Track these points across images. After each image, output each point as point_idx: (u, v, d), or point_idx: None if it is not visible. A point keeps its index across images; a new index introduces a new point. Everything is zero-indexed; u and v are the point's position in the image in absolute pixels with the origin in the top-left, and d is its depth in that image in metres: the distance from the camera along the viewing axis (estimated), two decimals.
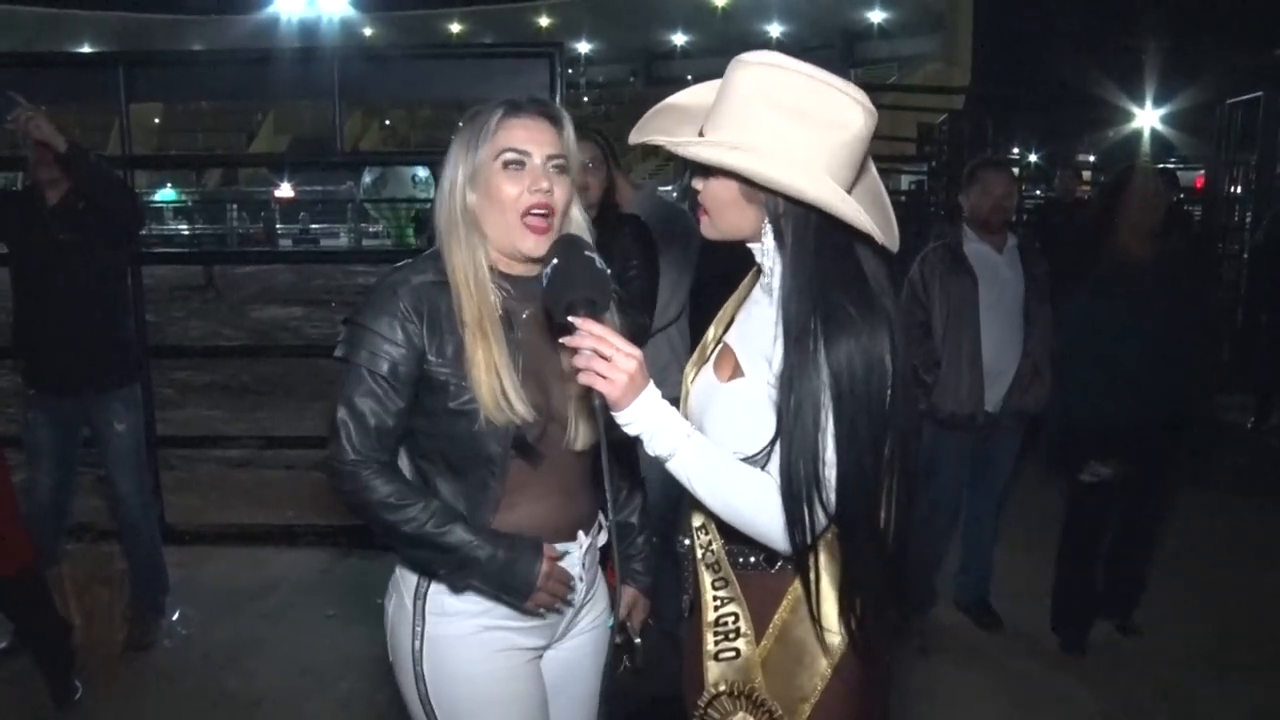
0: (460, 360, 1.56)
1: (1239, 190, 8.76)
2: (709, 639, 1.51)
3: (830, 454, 1.34)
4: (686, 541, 1.58)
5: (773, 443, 1.39)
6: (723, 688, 1.50)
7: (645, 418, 1.36)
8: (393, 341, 1.55)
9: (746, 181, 1.39)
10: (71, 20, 36.41)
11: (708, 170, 1.43)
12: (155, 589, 3.76)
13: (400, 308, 1.56)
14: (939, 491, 3.81)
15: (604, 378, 1.32)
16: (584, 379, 1.33)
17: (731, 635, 1.50)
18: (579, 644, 1.80)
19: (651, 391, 1.36)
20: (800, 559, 1.41)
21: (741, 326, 1.55)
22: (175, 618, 3.83)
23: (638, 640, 1.86)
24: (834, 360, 1.33)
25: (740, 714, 1.49)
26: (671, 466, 1.39)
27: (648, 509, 1.95)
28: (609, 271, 1.45)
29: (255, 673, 3.49)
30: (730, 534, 1.49)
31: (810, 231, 1.39)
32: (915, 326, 3.60)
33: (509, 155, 1.56)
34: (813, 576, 1.43)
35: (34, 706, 3.20)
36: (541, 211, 1.57)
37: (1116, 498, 3.61)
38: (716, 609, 1.51)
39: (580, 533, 1.71)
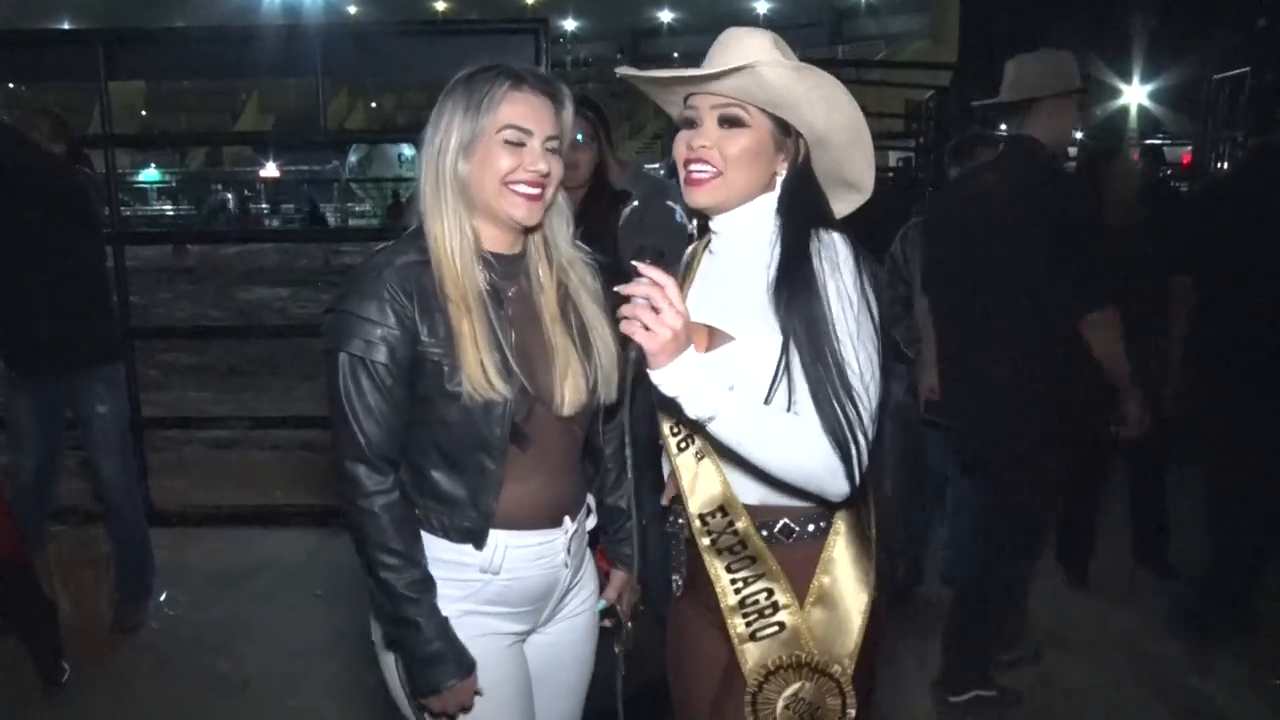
0: (451, 338, 1.52)
1: (1225, 166, 8.76)
2: (737, 623, 1.49)
3: (848, 353, 1.36)
4: (680, 522, 1.56)
5: (776, 375, 1.40)
6: (772, 664, 1.48)
7: (683, 379, 1.32)
8: (385, 326, 1.50)
9: (778, 124, 1.46)
10: None
11: (735, 119, 1.46)
12: (142, 571, 3.75)
13: (388, 290, 1.51)
14: (924, 468, 3.83)
15: (647, 329, 1.29)
16: (626, 327, 1.31)
17: (768, 611, 1.49)
18: (564, 628, 1.78)
19: (692, 354, 1.33)
20: (852, 497, 1.42)
21: (699, 299, 1.53)
22: (163, 600, 3.83)
23: (628, 624, 1.85)
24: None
25: (799, 683, 1.48)
26: (715, 429, 1.35)
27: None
28: (691, 225, 1.42)
29: (244, 654, 3.49)
30: (755, 509, 1.49)
31: (809, 170, 1.51)
32: (896, 302, 3.60)
33: (511, 133, 1.53)
34: (861, 516, 1.50)
35: (22, 690, 3.19)
36: (533, 189, 1.54)
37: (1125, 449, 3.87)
38: (738, 590, 1.49)
39: (566, 518, 1.68)
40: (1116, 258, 3.05)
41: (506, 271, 1.61)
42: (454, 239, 1.54)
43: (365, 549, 1.54)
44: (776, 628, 1.48)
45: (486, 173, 1.54)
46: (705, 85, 1.46)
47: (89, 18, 34.01)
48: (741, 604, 1.49)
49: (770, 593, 1.48)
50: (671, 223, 1.38)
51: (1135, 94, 14.00)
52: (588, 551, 1.82)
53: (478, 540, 1.59)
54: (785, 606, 1.48)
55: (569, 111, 1.60)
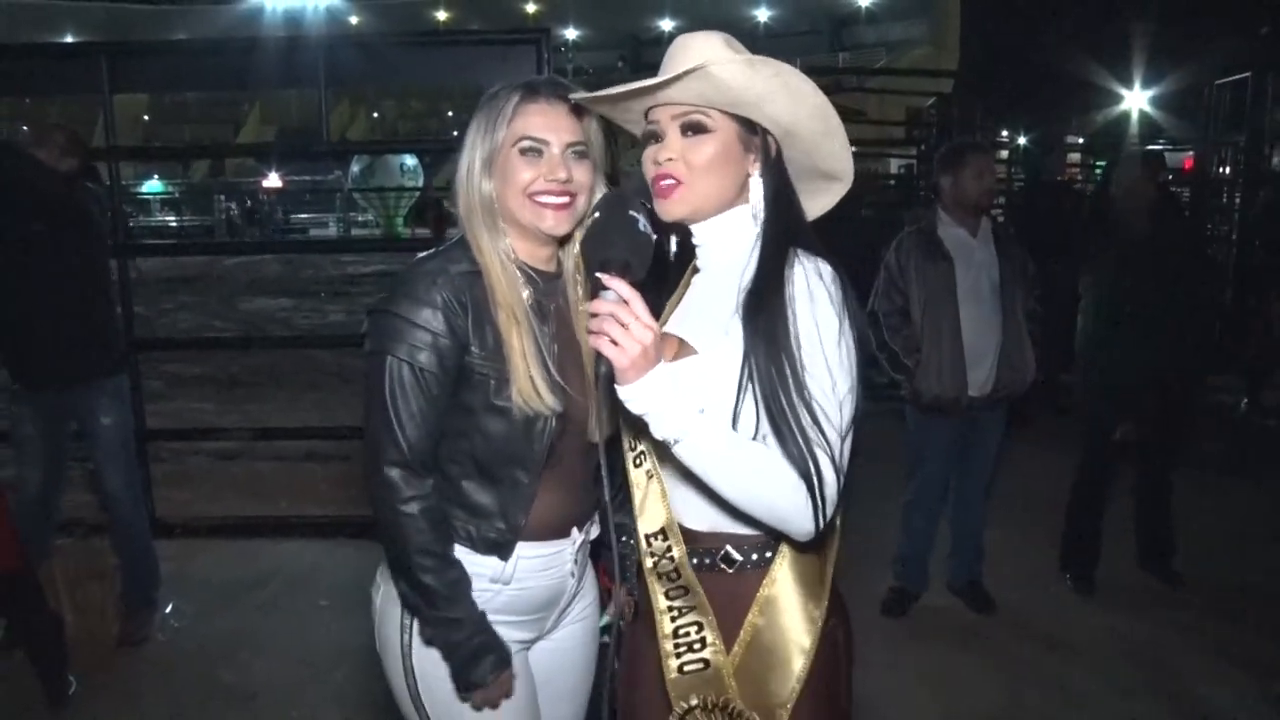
0: (500, 352, 1.51)
1: (1227, 171, 8.77)
2: (669, 651, 1.45)
3: (817, 373, 1.31)
4: (630, 542, 1.51)
5: (739, 394, 1.34)
6: (694, 701, 1.43)
7: (651, 396, 1.26)
8: (436, 334, 1.48)
9: (743, 123, 1.41)
10: (54, 10, 36.11)
11: (697, 126, 1.40)
12: (147, 583, 3.75)
13: (442, 298, 1.49)
14: (927, 476, 3.83)
15: (615, 344, 1.23)
16: (594, 341, 1.25)
17: (696, 646, 1.43)
18: (567, 634, 1.79)
19: (662, 371, 1.27)
20: (818, 538, 1.34)
21: (681, 314, 1.51)
22: (168, 611, 3.82)
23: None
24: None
25: None
26: (680, 451, 1.29)
27: None
28: (654, 237, 1.37)
29: (250, 665, 3.49)
30: (692, 536, 1.45)
31: (783, 167, 1.46)
32: (894, 312, 3.61)
33: (526, 143, 1.52)
34: (832, 551, 1.43)
35: (28, 703, 3.18)
36: (558, 199, 1.53)
37: (1130, 456, 4.04)
38: (674, 619, 1.45)
39: (574, 529, 1.69)
40: None
41: (546, 289, 1.60)
42: (493, 254, 1.54)
43: (403, 553, 1.53)
44: (701, 665, 1.43)
45: (508, 187, 1.54)
46: (662, 95, 1.41)
47: (92, 30, 34.17)
48: (675, 634, 1.44)
49: (700, 627, 1.43)
50: (635, 233, 1.33)
51: (1136, 99, 13.99)
52: (590, 562, 1.82)
53: (503, 552, 1.59)
54: (711, 644, 1.43)
55: (594, 117, 1.58)
